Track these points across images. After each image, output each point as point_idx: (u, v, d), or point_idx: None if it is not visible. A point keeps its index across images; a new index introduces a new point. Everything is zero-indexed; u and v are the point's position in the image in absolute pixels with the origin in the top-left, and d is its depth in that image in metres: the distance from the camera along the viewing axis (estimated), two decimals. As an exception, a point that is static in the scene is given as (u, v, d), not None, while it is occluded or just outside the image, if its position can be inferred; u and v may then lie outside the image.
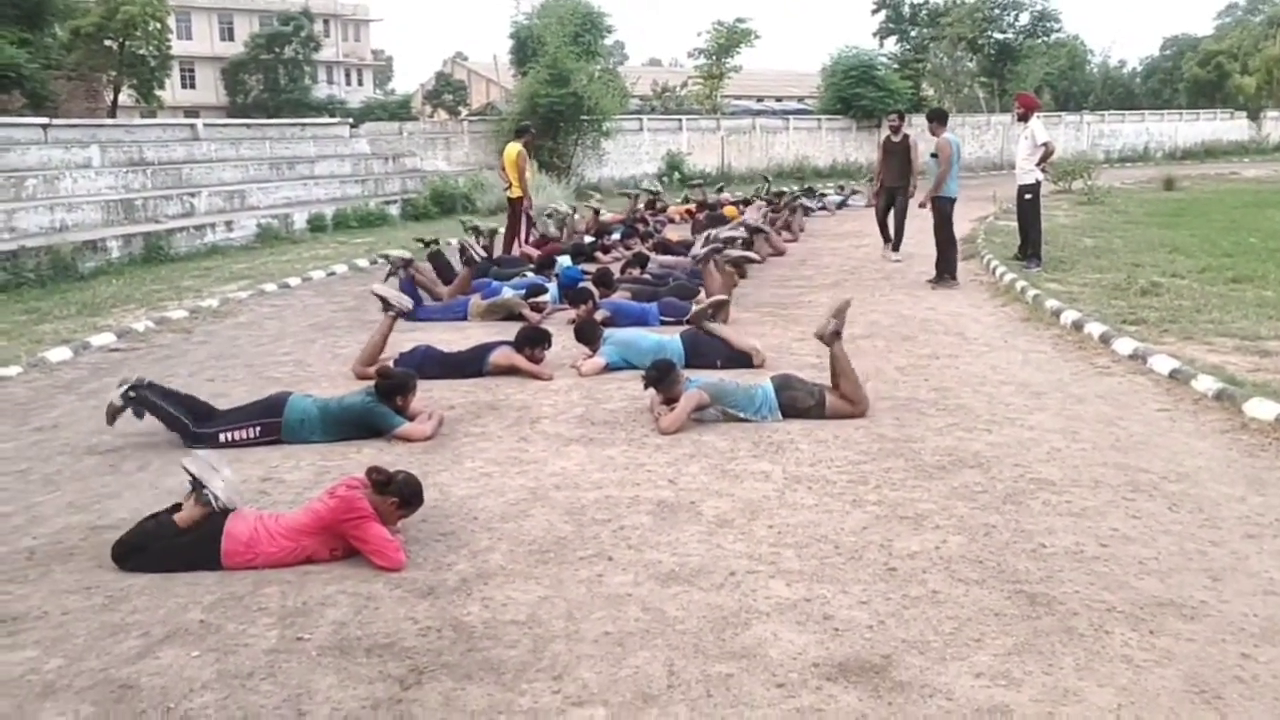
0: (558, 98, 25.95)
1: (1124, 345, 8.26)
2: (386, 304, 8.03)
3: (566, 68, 26.30)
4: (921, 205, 12.51)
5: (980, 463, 5.80)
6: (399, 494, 4.74)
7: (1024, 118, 12.83)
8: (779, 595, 4.22)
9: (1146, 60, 70.57)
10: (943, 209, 12.18)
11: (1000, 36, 45.59)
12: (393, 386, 6.44)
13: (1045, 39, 47.17)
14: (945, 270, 12.12)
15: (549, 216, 16.24)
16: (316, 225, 18.60)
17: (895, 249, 14.42)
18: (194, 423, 6.32)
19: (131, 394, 6.28)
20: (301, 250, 16.20)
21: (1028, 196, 12.84)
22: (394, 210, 21.06)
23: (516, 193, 15.21)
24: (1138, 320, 9.19)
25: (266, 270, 13.84)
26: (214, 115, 46.01)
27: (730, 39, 39.86)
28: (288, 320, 10.65)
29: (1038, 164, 12.62)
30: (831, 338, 6.61)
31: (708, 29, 40.29)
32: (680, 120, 33.44)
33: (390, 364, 7.79)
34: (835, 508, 5.18)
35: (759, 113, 39.75)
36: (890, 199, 14.43)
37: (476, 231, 13.90)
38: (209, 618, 4.15)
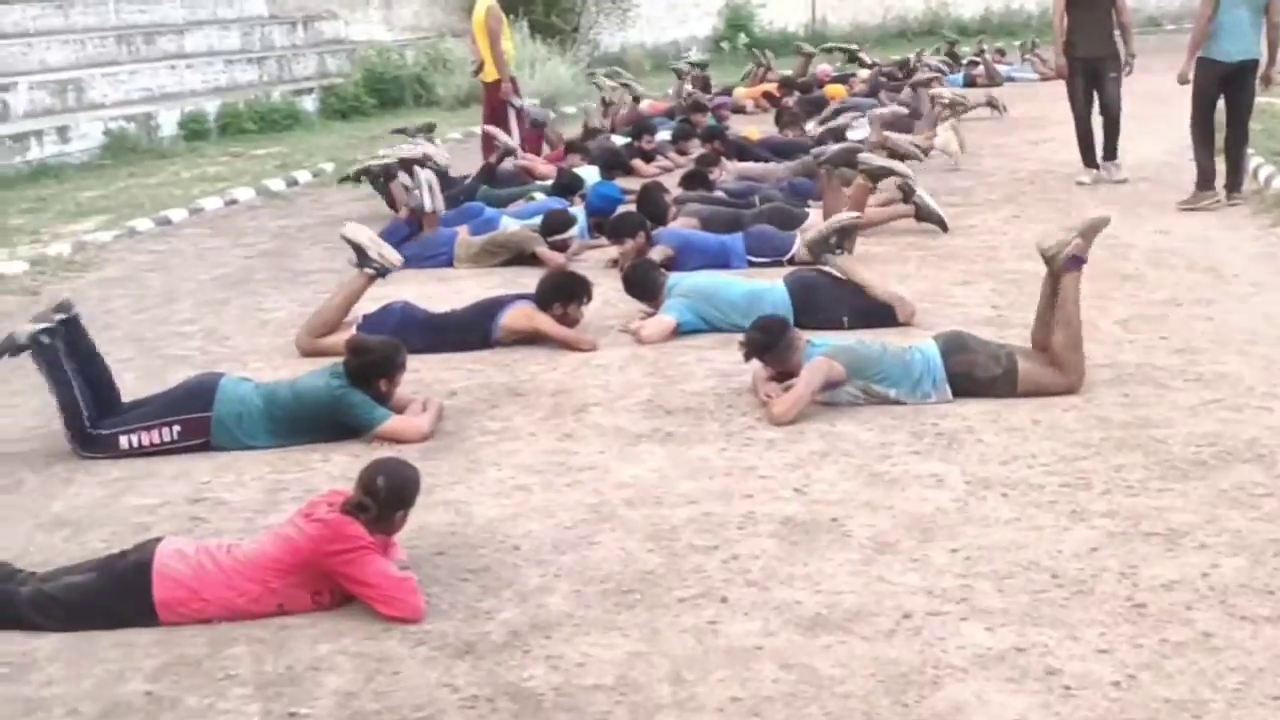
0: (560, -84, 26.21)
1: None
2: (363, 256, 8.35)
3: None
4: (1183, 81, 12.29)
5: (1259, 455, 6.13)
6: (388, 500, 5.10)
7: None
8: (978, 644, 4.57)
9: None
10: (1202, 81, 12.12)
11: None
12: (372, 365, 6.81)
13: None
14: (1216, 180, 12.11)
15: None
16: (194, 129, 19.12)
17: (1110, 156, 13.85)
18: (95, 415, 6.75)
19: (44, 337, 6.61)
20: (178, 167, 16.69)
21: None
22: (309, 104, 21.55)
23: (492, 74, 15.54)
24: None
25: (131, 199, 14.31)
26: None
27: None
28: (178, 273, 11.09)
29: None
30: (1068, 265, 6.98)
31: None
32: (745, -50, 33.69)
33: (355, 331, 8.21)
34: (1046, 523, 5.52)
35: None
36: (1091, 79, 13.77)
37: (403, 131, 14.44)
38: (157, 689, 4.55)
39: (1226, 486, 5.80)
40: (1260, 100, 18.48)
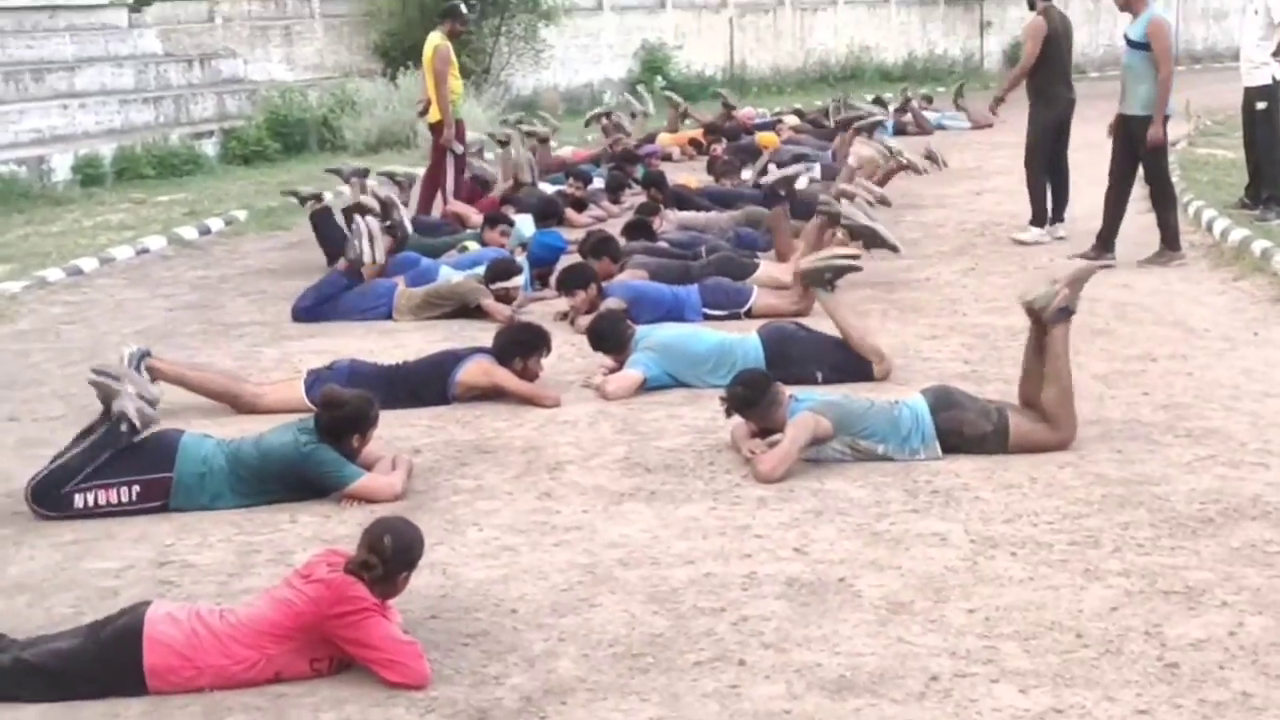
0: (472, -43, 26.38)
1: None
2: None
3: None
4: (1153, 148, 12.07)
5: (1265, 511, 6.35)
6: (395, 560, 5.15)
7: (1248, -22, 13.48)
8: (1014, 706, 4.70)
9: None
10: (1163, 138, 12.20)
11: None
12: (345, 419, 6.86)
13: None
14: (1168, 241, 12.30)
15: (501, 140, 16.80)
16: (89, 174, 18.87)
17: (1058, 216, 13.83)
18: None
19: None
20: (77, 214, 16.54)
21: (1261, 105, 13.52)
22: (210, 148, 21.44)
23: (436, 115, 15.63)
24: None
25: (34, 248, 14.17)
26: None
27: None
28: (99, 325, 11.03)
29: (1275, 53, 13.27)
30: (1057, 316, 7.14)
31: None
32: (663, -10, 34.07)
33: (300, 385, 8.27)
34: (1061, 581, 5.68)
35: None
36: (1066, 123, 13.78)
37: (392, 178, 14.49)
38: (153, 763, 4.56)
39: (1238, 544, 6.00)
40: (1202, 152, 19.21)
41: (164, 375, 8.31)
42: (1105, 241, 12.22)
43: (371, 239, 10.91)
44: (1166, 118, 11.97)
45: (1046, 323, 7.19)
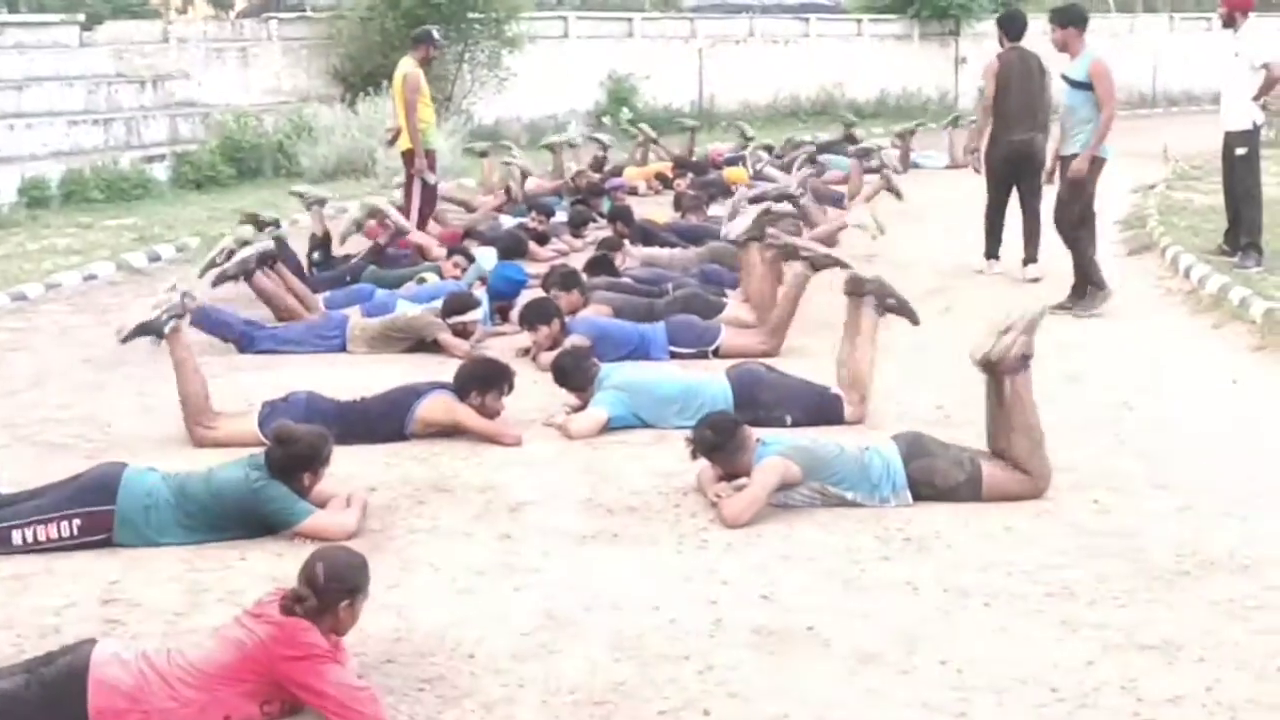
0: (431, -17, 26.40)
1: None
2: (150, 329, 8.39)
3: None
4: (1073, 180, 12.37)
5: (1243, 566, 6.38)
6: (328, 589, 5.13)
7: (1231, 21, 13.65)
8: (987, 760, 4.72)
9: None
10: (1090, 179, 12.42)
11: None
12: (297, 456, 6.83)
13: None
14: (1086, 281, 12.41)
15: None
16: (35, 196, 18.82)
17: (1030, 258, 14.12)
18: (-23, 513, 6.68)
19: None
20: (21, 238, 16.49)
21: (1240, 151, 13.64)
22: (161, 172, 21.41)
23: (405, 143, 15.60)
24: None
25: (-24, 272, 14.12)
26: None
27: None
28: (44, 353, 11.00)
29: (1256, 97, 13.41)
30: (1016, 365, 7.14)
31: None
32: (630, 21, 34.19)
33: (255, 419, 8.26)
34: (1036, 634, 5.69)
35: (748, 8, 40.56)
36: (1019, 164, 14.09)
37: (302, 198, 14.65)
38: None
39: (1216, 598, 6.02)
40: (1179, 196, 19.37)
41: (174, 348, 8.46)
42: (1083, 287, 12.32)
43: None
44: (1103, 161, 12.32)
45: (1006, 374, 7.19)
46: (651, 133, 23.41)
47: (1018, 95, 13.82)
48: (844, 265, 10.23)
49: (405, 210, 15.48)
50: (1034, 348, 7.24)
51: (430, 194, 15.93)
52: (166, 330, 8.31)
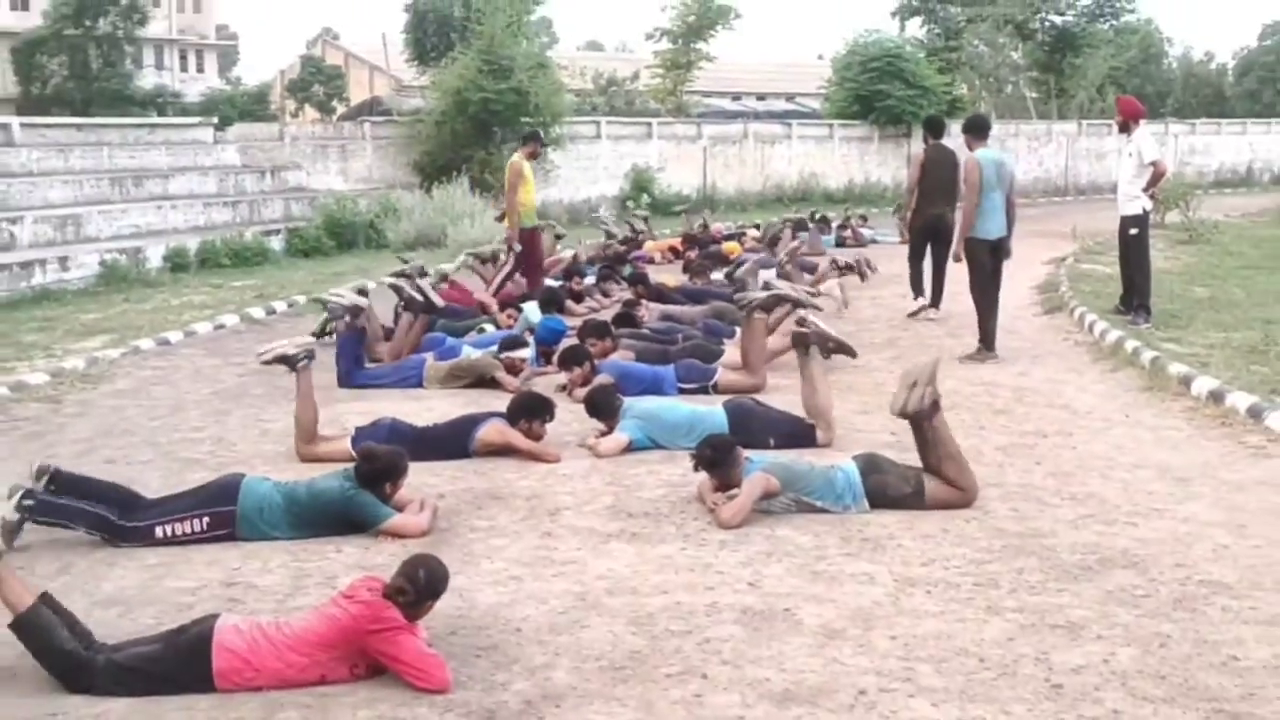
0: (495, 94, 26.59)
1: (1280, 420, 8.92)
2: (288, 360, 8.42)
3: (509, 55, 26.95)
4: (957, 260, 12.64)
5: (1133, 562, 6.37)
6: (425, 590, 5.17)
7: (1125, 128, 13.70)
8: (927, 718, 4.71)
9: (1241, 53, 73.73)
10: (975, 255, 12.29)
11: (1057, 19, 47.33)
12: (380, 471, 6.87)
13: (1112, 22, 48.98)
14: (982, 338, 12.33)
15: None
16: (177, 263, 19.03)
17: (934, 303, 14.82)
18: (120, 514, 6.69)
19: (28, 502, 6.61)
20: (167, 296, 16.60)
21: (1133, 231, 13.65)
22: (276, 243, 21.54)
23: (510, 222, 15.48)
24: (1290, 389, 9.90)
25: (130, 321, 14.22)
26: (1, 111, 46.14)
27: (704, 18, 41.00)
28: (182, 387, 11.04)
29: (1145, 189, 13.43)
30: (929, 411, 7.15)
31: (674, 2, 41.34)
32: (649, 124, 34.38)
33: (348, 441, 8.28)
34: (968, 615, 5.70)
35: (743, 114, 40.76)
36: (935, 232, 14.68)
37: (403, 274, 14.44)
38: (222, 748, 4.53)
39: (1112, 588, 6.02)
40: (1085, 267, 19.37)
41: (301, 381, 8.42)
42: (987, 341, 12.26)
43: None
44: (980, 240, 12.16)
45: (921, 419, 7.19)
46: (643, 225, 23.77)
47: (935, 181, 14.49)
48: (852, 353, 9.64)
49: (497, 272, 15.54)
50: (939, 393, 7.22)
51: (516, 262, 15.53)
52: (299, 366, 8.36)
